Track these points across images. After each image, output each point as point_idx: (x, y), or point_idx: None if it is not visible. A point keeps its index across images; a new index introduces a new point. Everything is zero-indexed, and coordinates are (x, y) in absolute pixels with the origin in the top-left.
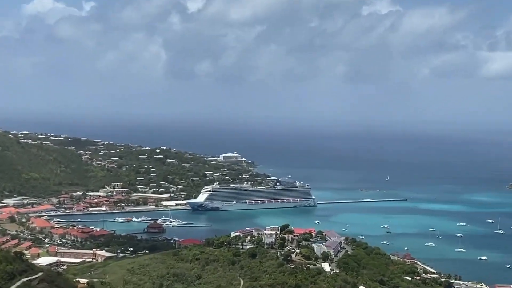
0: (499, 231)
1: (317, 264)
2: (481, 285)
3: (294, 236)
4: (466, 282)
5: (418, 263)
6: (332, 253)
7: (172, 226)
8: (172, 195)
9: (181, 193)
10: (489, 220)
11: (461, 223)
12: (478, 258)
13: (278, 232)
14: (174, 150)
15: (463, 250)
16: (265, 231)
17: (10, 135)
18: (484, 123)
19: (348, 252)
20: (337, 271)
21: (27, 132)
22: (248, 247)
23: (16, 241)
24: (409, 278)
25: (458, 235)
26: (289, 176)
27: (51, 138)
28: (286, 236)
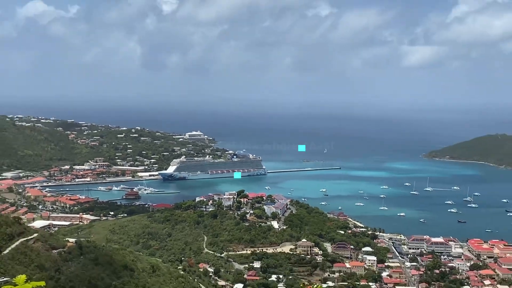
0: (414, 192)
1: (268, 222)
2: (400, 236)
3: (248, 199)
4: (388, 234)
5: (350, 219)
6: (279, 213)
7: (146, 193)
8: (146, 167)
9: (153, 165)
10: (407, 184)
11: (384, 186)
12: (398, 214)
13: (235, 196)
14: (147, 130)
15: (386, 208)
16: (224, 196)
17: (7, 119)
18: (407, 105)
19: (293, 212)
20: (284, 227)
21: (21, 116)
22: (210, 209)
23: (14, 207)
24: (342, 232)
25: (381, 196)
26: (244, 150)
27: (42, 121)
28: (242, 199)
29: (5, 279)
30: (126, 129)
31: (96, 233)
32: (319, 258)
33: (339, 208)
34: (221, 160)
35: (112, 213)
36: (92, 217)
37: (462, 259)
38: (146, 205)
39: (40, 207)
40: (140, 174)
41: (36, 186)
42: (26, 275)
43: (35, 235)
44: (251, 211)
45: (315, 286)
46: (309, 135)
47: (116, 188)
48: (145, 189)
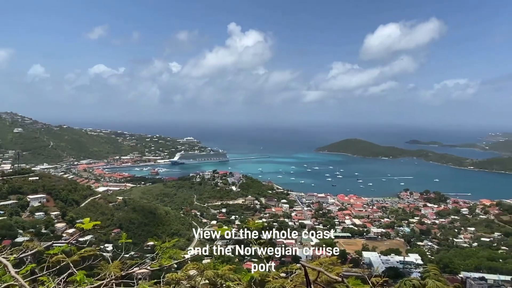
0: (309, 170)
1: (230, 187)
2: (301, 193)
3: (219, 174)
4: (295, 192)
5: (275, 185)
6: (236, 182)
7: (162, 171)
8: (162, 157)
9: (166, 156)
10: (305, 165)
11: (293, 167)
12: (300, 182)
13: (211, 172)
14: (163, 136)
15: (294, 179)
16: (205, 172)
17: (83, 130)
18: (305, 122)
19: (244, 181)
20: (239, 190)
21: (91, 128)
22: (198, 180)
23: (87, 180)
24: (270, 191)
25: (291, 172)
26: (216, 147)
27: (103, 131)
28: (215, 174)
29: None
30: (150, 136)
31: (134, 194)
32: (257, 206)
33: (268, 178)
34: (203, 153)
35: (143, 182)
36: (132, 185)
37: (334, 205)
38: (162, 178)
39: (102, 180)
40: (158, 161)
41: (100, 168)
42: (91, 218)
43: (99, 195)
44: (221, 181)
45: (254, 222)
46: (253, 139)
47: (145, 169)
48: (161, 169)
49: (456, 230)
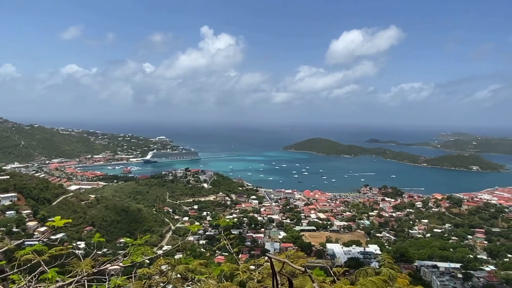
0: (277, 167)
1: (202, 184)
2: (270, 190)
3: (191, 172)
4: (264, 188)
5: (245, 182)
6: (208, 180)
7: (135, 170)
8: (134, 156)
9: (138, 154)
10: (273, 163)
11: (262, 164)
12: (269, 178)
13: (183, 171)
14: (135, 135)
15: (263, 176)
16: (178, 170)
17: (54, 129)
18: (274, 122)
19: (215, 178)
20: (210, 187)
21: (63, 127)
22: (170, 178)
23: (59, 179)
24: (241, 188)
25: (260, 169)
26: (188, 146)
27: (75, 130)
28: (187, 172)
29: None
30: (123, 135)
31: (106, 192)
32: (228, 202)
33: (239, 176)
34: (175, 151)
35: (115, 181)
36: (104, 183)
37: (300, 201)
38: (135, 176)
39: (74, 178)
40: (131, 159)
41: (72, 167)
42: (62, 216)
43: (71, 194)
44: (192, 178)
45: (224, 219)
46: (223, 138)
47: (117, 167)
48: (134, 168)
49: (411, 222)
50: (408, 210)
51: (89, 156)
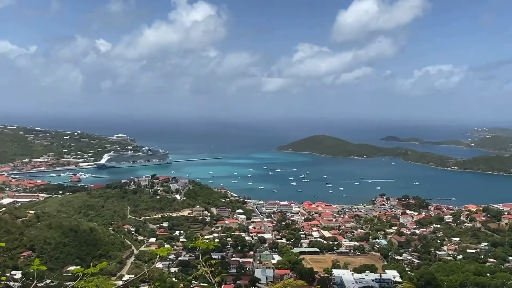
0: (269, 172)
1: (172, 195)
2: (260, 201)
3: (159, 180)
4: (253, 200)
5: (228, 191)
6: (181, 189)
7: (86, 177)
8: (85, 159)
9: (90, 158)
10: (265, 167)
11: (250, 169)
12: (259, 187)
13: (150, 178)
14: (86, 133)
15: (251, 184)
16: (142, 178)
17: None
18: (264, 116)
19: (190, 188)
20: (184, 198)
21: None
22: (132, 187)
23: None
24: (223, 200)
25: (249, 176)
26: (155, 146)
27: (8, 127)
28: (154, 180)
29: None
30: (70, 132)
31: (49, 206)
32: (207, 218)
33: (221, 184)
34: (139, 153)
35: (61, 192)
36: (46, 195)
37: (299, 215)
38: (86, 186)
39: (7, 189)
40: (81, 164)
41: (4, 174)
42: None
43: (3, 209)
44: (161, 188)
45: (203, 239)
46: (201, 136)
47: (63, 174)
48: (85, 175)
49: (439, 241)
50: (435, 225)
51: (27, 160)
